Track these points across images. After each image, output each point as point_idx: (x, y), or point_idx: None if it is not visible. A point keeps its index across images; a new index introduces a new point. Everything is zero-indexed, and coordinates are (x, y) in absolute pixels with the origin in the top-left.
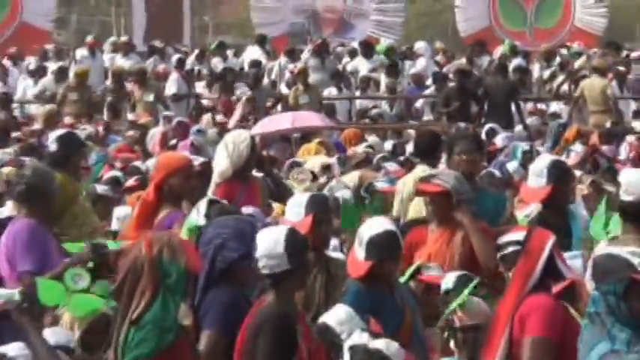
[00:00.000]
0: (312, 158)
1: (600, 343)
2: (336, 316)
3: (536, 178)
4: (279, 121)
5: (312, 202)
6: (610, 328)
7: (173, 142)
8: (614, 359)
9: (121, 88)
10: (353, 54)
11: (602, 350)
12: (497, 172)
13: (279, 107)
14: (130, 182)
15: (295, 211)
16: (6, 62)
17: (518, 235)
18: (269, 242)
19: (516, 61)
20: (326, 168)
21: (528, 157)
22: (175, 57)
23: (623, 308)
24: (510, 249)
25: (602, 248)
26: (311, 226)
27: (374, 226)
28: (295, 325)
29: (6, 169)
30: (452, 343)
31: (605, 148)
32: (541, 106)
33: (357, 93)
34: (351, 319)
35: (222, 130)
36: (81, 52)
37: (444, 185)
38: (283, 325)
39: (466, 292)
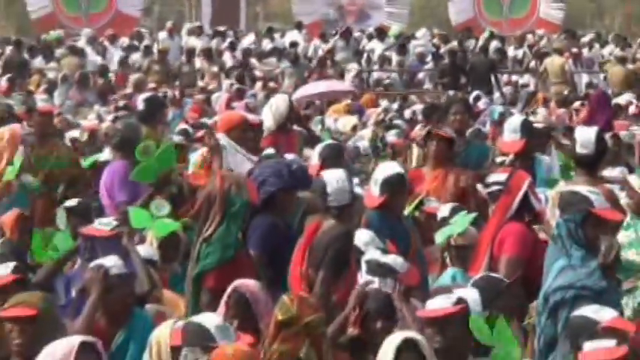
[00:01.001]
0: (343, 117)
1: (560, 259)
2: (361, 238)
3: (512, 133)
4: (314, 87)
5: (324, 150)
6: (569, 248)
7: (234, 104)
8: (570, 271)
9: (192, 62)
10: (370, 37)
11: (561, 265)
12: (482, 128)
13: (313, 79)
14: (199, 134)
15: (314, 156)
16: (105, 42)
17: (501, 176)
18: (339, 183)
19: (495, 44)
20: (354, 127)
21: (503, 118)
22: (228, 40)
23: (580, 233)
24: (495, 187)
25: (562, 187)
26: (318, 170)
27: (386, 168)
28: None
29: (105, 124)
30: (447, 260)
31: (562, 110)
32: (514, 78)
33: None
34: (372, 240)
35: (269, 94)
36: (162, 35)
37: (449, 133)
38: (348, 241)
39: (466, 221)
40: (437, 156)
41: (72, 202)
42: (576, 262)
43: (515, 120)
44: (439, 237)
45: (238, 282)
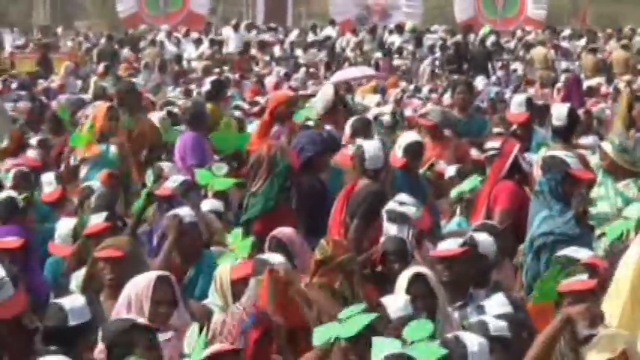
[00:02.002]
0: (369, 95)
1: (542, 211)
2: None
3: (518, 107)
4: (347, 73)
5: (354, 122)
6: (549, 202)
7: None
8: (550, 220)
9: (249, 52)
10: (391, 32)
11: (543, 215)
12: (481, 105)
13: (346, 64)
14: (254, 110)
15: (347, 127)
16: (179, 36)
17: (496, 143)
18: (375, 151)
19: (491, 37)
20: (378, 103)
21: (497, 97)
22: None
23: (559, 189)
24: (491, 152)
25: (544, 152)
26: (349, 138)
27: (407, 137)
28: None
29: (181, 102)
30: (457, 210)
31: (545, 90)
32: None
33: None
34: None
35: (310, 78)
36: (226, 30)
37: (432, 120)
38: (380, 197)
39: (475, 182)
40: (429, 135)
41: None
42: (555, 213)
43: (521, 97)
44: (453, 193)
45: (276, 230)
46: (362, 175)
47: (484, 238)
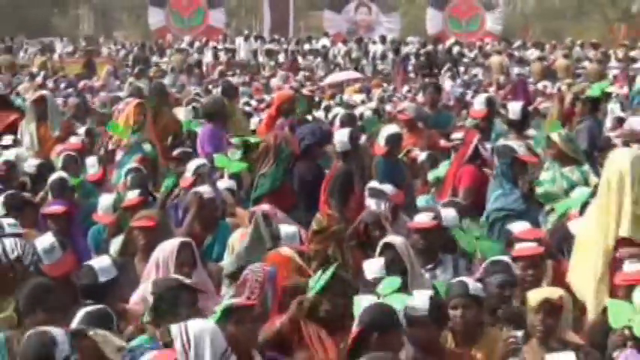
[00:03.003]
0: (355, 94)
1: (497, 190)
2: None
3: (480, 105)
4: (338, 76)
5: (343, 117)
6: (502, 182)
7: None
8: (502, 198)
9: (257, 58)
10: (375, 43)
11: (496, 194)
12: (448, 103)
13: (337, 69)
14: (261, 106)
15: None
16: (200, 45)
17: (460, 134)
18: (342, 137)
19: (456, 48)
20: (362, 101)
21: (462, 96)
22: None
23: (510, 172)
24: (456, 141)
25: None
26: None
27: (389, 128)
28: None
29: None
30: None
31: (501, 91)
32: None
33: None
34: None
35: (308, 80)
36: (239, 40)
37: (408, 115)
38: (347, 176)
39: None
40: (407, 127)
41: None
42: (507, 192)
43: (482, 97)
44: (431, 176)
45: (256, 207)
46: (336, 158)
47: (450, 212)
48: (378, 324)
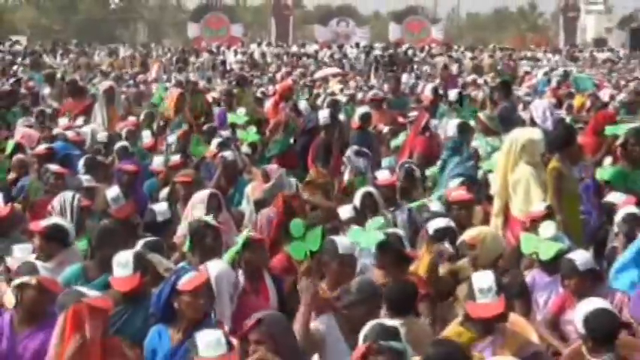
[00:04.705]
0: (336, 85)
1: (455, 157)
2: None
3: (428, 92)
4: (325, 71)
5: (329, 103)
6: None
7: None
8: (459, 166)
9: (265, 59)
10: (352, 47)
11: (455, 161)
12: (405, 91)
13: (324, 67)
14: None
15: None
16: (226, 50)
17: (414, 113)
18: (325, 114)
19: (410, 51)
20: (341, 89)
21: (414, 86)
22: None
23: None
24: (411, 119)
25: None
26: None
27: (360, 109)
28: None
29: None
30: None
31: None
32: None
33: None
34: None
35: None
36: (253, 46)
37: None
38: (329, 142)
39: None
40: (374, 108)
41: None
42: (464, 160)
43: (429, 86)
44: (392, 144)
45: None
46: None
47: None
48: None
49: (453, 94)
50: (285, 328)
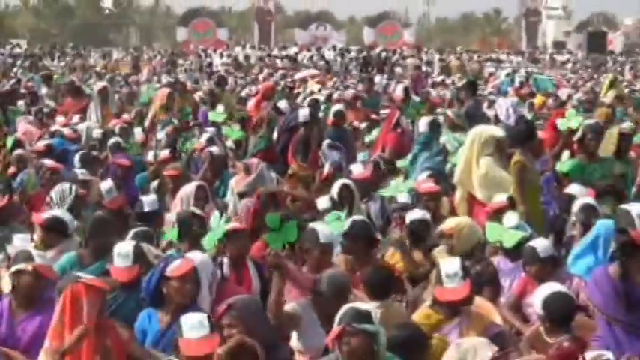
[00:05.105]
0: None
1: (425, 152)
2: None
3: (399, 91)
4: (304, 72)
5: (310, 101)
6: (432, 147)
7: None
8: (428, 160)
9: (249, 61)
10: (329, 50)
11: (425, 155)
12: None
13: (302, 68)
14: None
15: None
16: (212, 53)
17: (386, 111)
18: (304, 112)
19: (384, 54)
20: (319, 89)
21: (387, 86)
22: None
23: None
24: (383, 116)
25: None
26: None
27: (336, 107)
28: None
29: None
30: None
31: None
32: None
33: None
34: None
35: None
36: (237, 49)
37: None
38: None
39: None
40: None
41: None
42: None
43: (400, 86)
44: (366, 140)
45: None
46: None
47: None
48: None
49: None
50: (255, 311)
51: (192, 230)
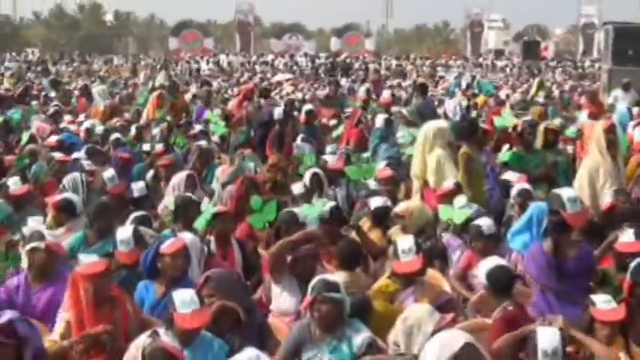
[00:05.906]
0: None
1: (384, 144)
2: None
3: (362, 93)
4: (280, 76)
5: (285, 102)
6: (390, 140)
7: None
8: (387, 151)
9: (232, 67)
10: (301, 57)
11: (384, 147)
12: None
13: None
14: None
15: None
16: (199, 60)
17: (350, 109)
18: (279, 110)
19: (348, 60)
20: (293, 90)
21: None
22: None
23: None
24: (348, 114)
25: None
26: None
27: (306, 107)
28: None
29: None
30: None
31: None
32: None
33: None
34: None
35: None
36: (222, 56)
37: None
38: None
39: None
40: (322, 105)
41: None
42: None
43: (363, 87)
44: (334, 134)
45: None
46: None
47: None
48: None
49: (384, 93)
50: (230, 282)
51: (187, 213)
